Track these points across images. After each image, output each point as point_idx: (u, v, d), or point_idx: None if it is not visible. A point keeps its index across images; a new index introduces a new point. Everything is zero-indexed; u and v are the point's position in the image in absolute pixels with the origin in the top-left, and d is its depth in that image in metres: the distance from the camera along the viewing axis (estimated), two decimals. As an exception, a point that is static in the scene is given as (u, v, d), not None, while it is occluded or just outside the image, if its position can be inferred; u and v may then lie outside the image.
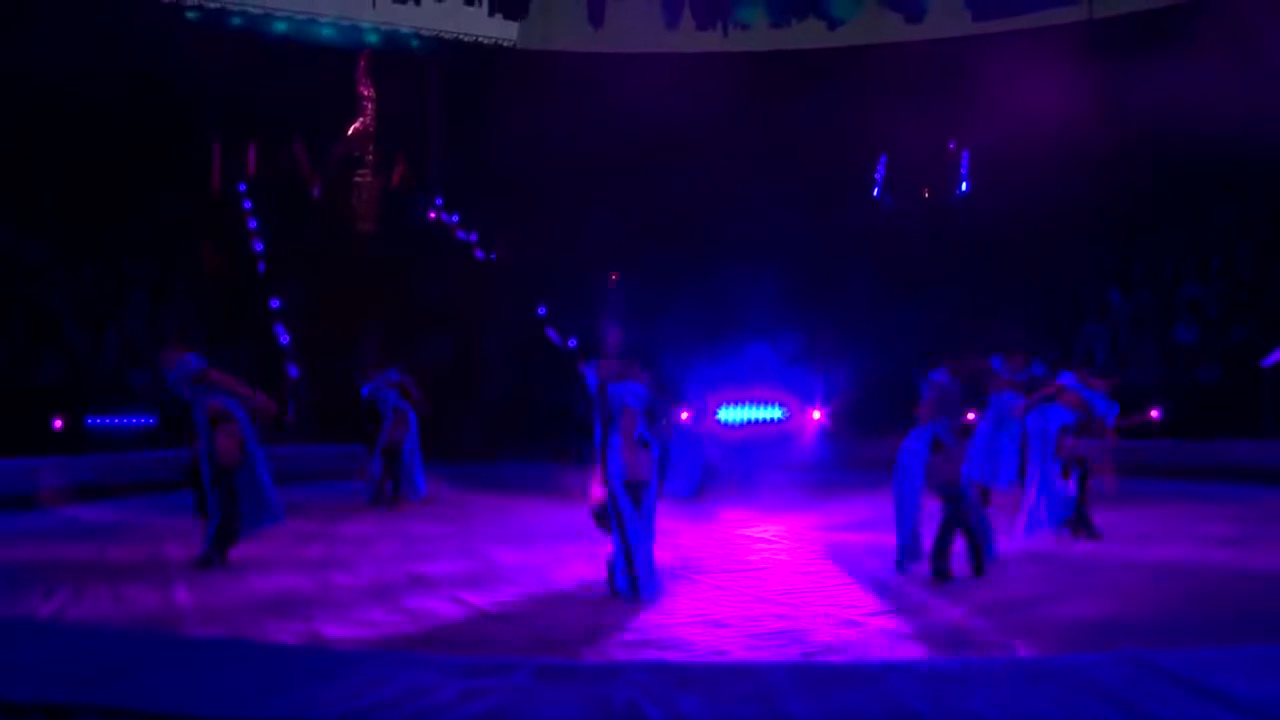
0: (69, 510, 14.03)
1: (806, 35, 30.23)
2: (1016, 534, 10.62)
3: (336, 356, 21.29)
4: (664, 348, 17.41)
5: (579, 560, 9.35)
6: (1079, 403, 10.61)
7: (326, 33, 30.01)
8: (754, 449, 18.12)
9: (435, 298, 24.42)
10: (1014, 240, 25.18)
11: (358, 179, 30.04)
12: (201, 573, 9.04)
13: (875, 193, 30.85)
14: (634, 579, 7.93)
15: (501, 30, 31.56)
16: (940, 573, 8.53)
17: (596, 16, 30.12)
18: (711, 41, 30.56)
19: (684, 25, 30.27)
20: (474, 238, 29.54)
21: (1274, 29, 22.11)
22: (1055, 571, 8.97)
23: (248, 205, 28.04)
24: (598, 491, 8.20)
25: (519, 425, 21.87)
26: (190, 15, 28.36)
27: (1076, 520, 10.53)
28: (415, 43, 30.98)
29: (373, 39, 30.53)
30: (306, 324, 23.75)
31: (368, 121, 30.39)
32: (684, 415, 18.01)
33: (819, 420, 19.58)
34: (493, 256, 28.98)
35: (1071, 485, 10.61)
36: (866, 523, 11.68)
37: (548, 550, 9.98)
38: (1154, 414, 15.77)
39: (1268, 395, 18.87)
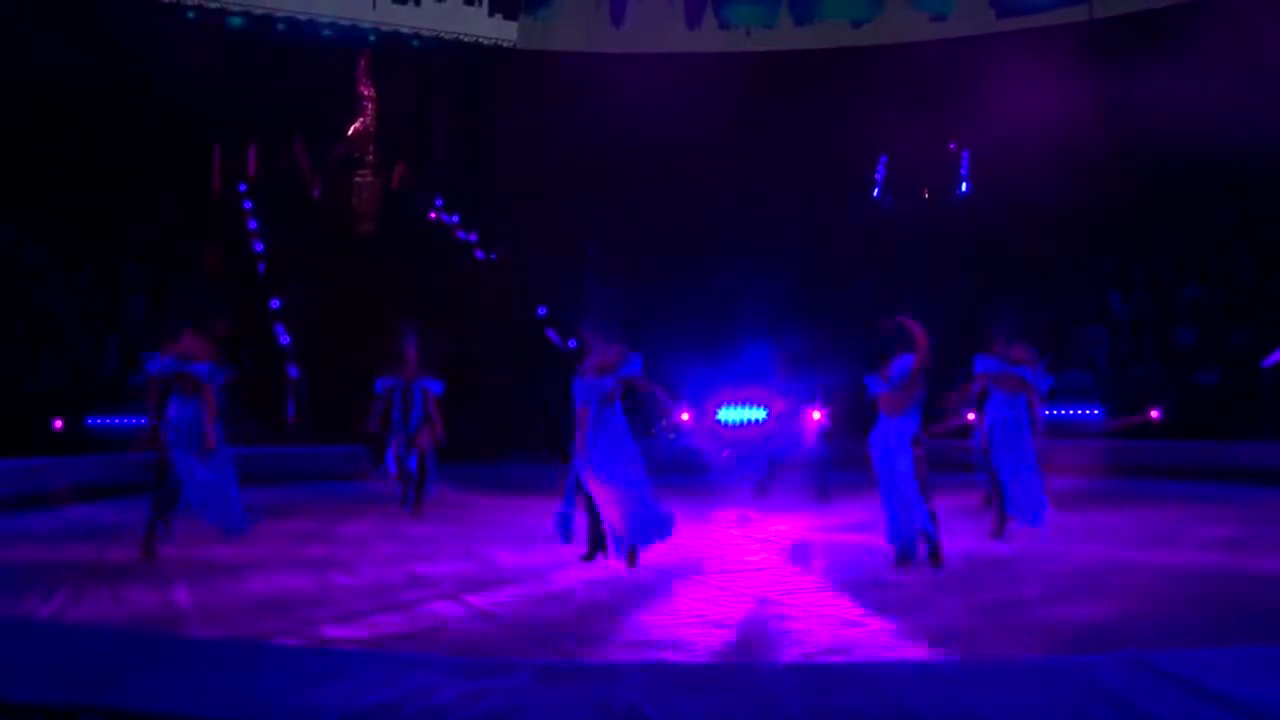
0: (69, 510, 14.02)
1: (827, 34, 30.15)
2: (1018, 534, 10.63)
3: (339, 356, 21.27)
4: (663, 348, 17.40)
5: (579, 561, 9.37)
6: (1019, 383, 10.50)
7: (326, 33, 30.01)
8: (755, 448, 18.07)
9: (435, 298, 24.41)
10: (1014, 241, 25.18)
11: (358, 179, 30.04)
12: (202, 573, 9.04)
13: (875, 193, 30.85)
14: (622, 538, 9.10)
15: (501, 30, 31.58)
16: (934, 557, 8.68)
17: (618, 17, 30.10)
18: (729, 41, 30.52)
19: (706, 25, 30.26)
20: (474, 238, 29.53)
21: (1274, 29, 22.10)
22: (1055, 572, 8.96)
23: (248, 206, 28.04)
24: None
25: (519, 425, 21.86)
26: (190, 15, 28.36)
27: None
28: (415, 43, 30.99)
29: (373, 39, 30.54)
30: (307, 325, 23.75)
31: (368, 121, 30.39)
32: (684, 415, 18.00)
33: (819, 420, 19.55)
34: (493, 256, 28.98)
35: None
36: (866, 523, 11.67)
37: (548, 551, 9.98)
38: (1154, 415, 15.80)
39: (1268, 396, 18.87)
